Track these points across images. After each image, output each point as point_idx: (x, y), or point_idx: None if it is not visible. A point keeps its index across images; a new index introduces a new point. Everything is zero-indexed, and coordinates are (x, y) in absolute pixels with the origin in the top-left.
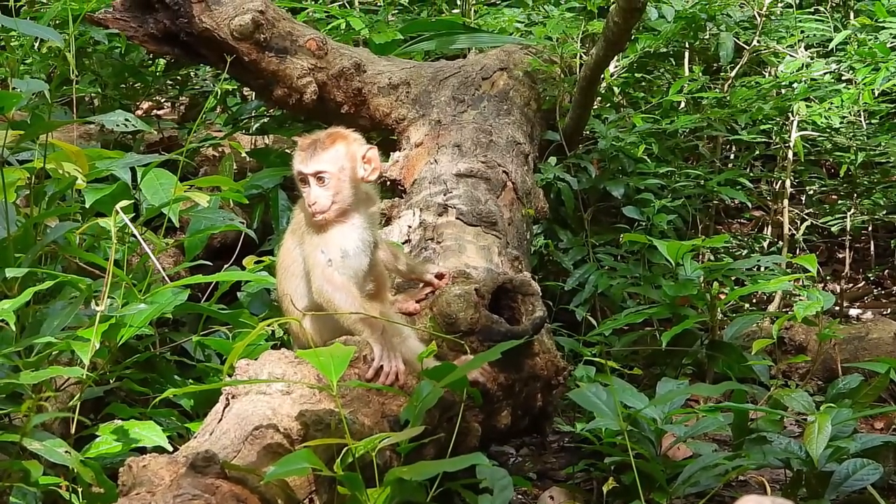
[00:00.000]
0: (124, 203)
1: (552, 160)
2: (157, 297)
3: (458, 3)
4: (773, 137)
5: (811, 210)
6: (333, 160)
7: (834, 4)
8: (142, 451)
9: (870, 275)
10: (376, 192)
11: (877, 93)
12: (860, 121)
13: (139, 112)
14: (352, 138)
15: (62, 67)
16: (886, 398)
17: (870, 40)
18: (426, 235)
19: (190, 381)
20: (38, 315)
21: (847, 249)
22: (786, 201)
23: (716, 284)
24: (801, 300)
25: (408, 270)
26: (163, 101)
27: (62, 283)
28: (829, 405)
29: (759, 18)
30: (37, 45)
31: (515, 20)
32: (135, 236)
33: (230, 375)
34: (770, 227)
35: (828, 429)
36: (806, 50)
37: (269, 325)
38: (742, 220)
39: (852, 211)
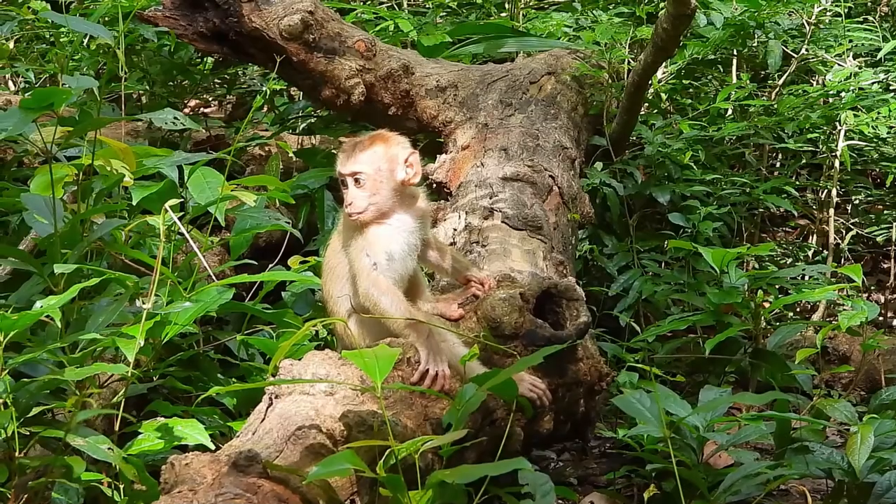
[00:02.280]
0: (173, 201)
1: (598, 165)
2: (201, 295)
3: (507, 6)
4: (820, 146)
5: (857, 220)
6: (370, 161)
7: (883, 14)
8: (184, 449)
9: None
10: (424, 194)
11: None
12: None
13: (186, 110)
14: (393, 141)
15: (111, 64)
16: None
17: None
18: (471, 239)
19: (233, 379)
20: (84, 311)
21: (892, 260)
22: (831, 210)
23: (760, 293)
24: (845, 310)
25: (452, 270)
26: (210, 99)
27: (108, 280)
28: (872, 416)
29: (807, 27)
30: (86, 41)
31: (564, 24)
32: (183, 235)
33: (274, 375)
34: (815, 236)
35: (870, 440)
36: (854, 59)
37: (314, 326)
38: (787, 229)
39: None
